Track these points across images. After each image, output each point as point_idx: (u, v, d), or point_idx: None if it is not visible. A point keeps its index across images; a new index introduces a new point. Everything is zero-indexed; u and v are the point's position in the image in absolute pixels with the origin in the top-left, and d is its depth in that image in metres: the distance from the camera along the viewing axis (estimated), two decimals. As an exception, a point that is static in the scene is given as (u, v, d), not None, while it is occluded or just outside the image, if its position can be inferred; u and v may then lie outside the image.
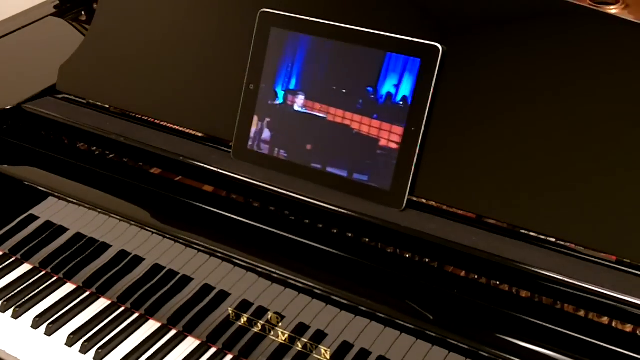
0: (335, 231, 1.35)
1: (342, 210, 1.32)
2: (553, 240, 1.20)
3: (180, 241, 1.46)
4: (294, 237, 1.36)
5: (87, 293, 1.67)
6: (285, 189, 1.36)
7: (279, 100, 1.39)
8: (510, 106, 1.24)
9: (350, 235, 1.34)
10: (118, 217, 1.55)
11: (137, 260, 1.59)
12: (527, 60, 1.24)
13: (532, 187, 1.21)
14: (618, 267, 1.16)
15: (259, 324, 1.45)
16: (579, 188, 1.18)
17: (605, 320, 1.16)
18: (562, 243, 1.20)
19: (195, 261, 1.49)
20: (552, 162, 1.20)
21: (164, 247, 1.52)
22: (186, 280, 1.53)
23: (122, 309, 1.62)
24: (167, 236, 1.48)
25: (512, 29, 1.26)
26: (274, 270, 1.35)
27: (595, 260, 1.17)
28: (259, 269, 1.37)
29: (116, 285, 1.64)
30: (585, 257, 1.18)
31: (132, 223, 1.53)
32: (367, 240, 1.33)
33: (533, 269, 1.17)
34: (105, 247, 1.63)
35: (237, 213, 1.42)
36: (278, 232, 1.37)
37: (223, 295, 1.48)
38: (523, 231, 1.22)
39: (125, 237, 1.58)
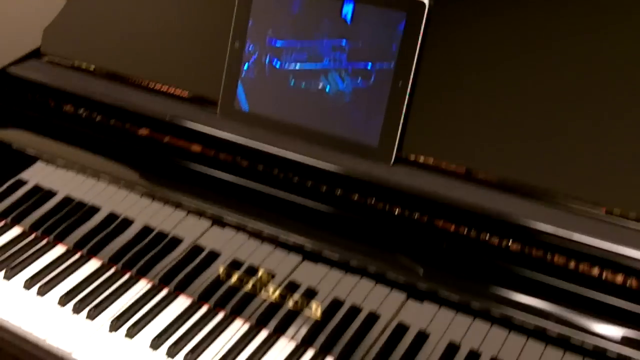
0: (324, 188, 1.35)
1: (331, 167, 1.32)
2: (543, 193, 1.20)
3: (170, 202, 1.45)
4: (283, 195, 1.36)
5: (78, 255, 1.67)
6: (272, 147, 1.36)
7: (265, 58, 1.38)
8: (497, 60, 1.24)
9: (339, 191, 1.34)
10: (107, 180, 1.54)
11: (127, 222, 1.59)
12: (515, 13, 1.23)
13: (521, 140, 1.21)
14: (607, 219, 1.16)
15: (249, 283, 1.45)
16: (569, 141, 1.18)
17: (596, 271, 1.17)
18: (552, 196, 1.19)
19: (185, 223, 1.49)
20: (541, 114, 1.20)
21: (153, 209, 1.52)
22: (176, 241, 1.53)
23: (113, 270, 1.63)
24: (157, 197, 1.48)
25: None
26: (263, 228, 1.35)
27: (585, 212, 1.17)
28: (249, 228, 1.36)
29: (107, 247, 1.64)
30: (574, 208, 1.18)
31: (121, 185, 1.52)
32: (356, 196, 1.33)
33: (523, 221, 1.17)
34: (94, 210, 1.62)
35: (225, 172, 1.41)
36: (266, 190, 1.37)
37: (213, 256, 1.48)
38: (512, 184, 1.22)
39: (114, 200, 1.58)
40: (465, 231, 1.24)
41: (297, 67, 1.35)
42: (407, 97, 1.27)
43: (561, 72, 1.20)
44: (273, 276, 1.42)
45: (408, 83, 1.26)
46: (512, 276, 1.19)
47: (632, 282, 1.13)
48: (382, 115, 1.28)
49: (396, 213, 1.29)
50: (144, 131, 1.52)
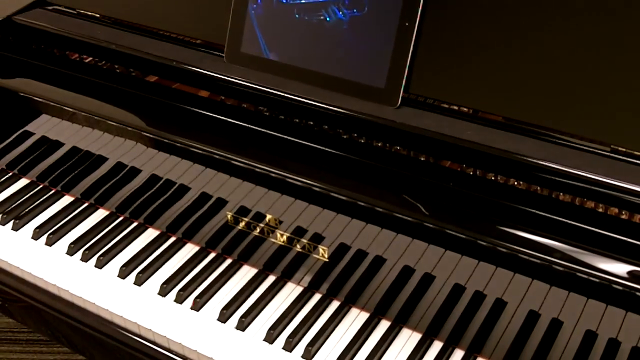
0: (330, 131, 1.35)
1: (337, 109, 1.32)
2: (548, 131, 1.20)
3: (178, 144, 1.45)
4: (290, 138, 1.36)
5: (86, 204, 1.68)
6: (279, 90, 1.36)
7: (271, 0, 1.38)
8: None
9: (345, 134, 1.34)
10: (114, 131, 1.54)
11: (134, 171, 1.59)
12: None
13: (526, 79, 1.21)
14: (612, 155, 1.16)
15: (257, 228, 1.46)
16: (573, 78, 1.18)
17: (601, 208, 1.17)
18: (557, 134, 1.19)
19: (192, 171, 1.49)
20: (547, 53, 1.20)
21: (160, 158, 1.52)
22: (184, 189, 1.53)
23: (121, 218, 1.64)
24: (165, 141, 1.47)
25: None
26: (271, 171, 1.35)
27: (590, 149, 1.17)
28: (257, 170, 1.36)
29: (114, 196, 1.65)
30: (580, 146, 1.18)
31: (128, 135, 1.53)
32: (363, 139, 1.33)
33: (528, 159, 1.18)
34: (102, 159, 1.63)
35: (232, 117, 1.41)
36: (273, 134, 1.37)
37: (221, 203, 1.49)
38: (518, 123, 1.22)
39: (121, 150, 1.58)
40: (472, 171, 1.24)
41: (302, 11, 1.35)
42: (414, 37, 1.26)
43: (570, 11, 1.19)
44: (280, 222, 1.42)
45: (415, 23, 1.26)
46: (518, 215, 1.19)
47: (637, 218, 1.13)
48: (389, 56, 1.28)
49: (403, 154, 1.30)
50: (151, 78, 1.52)
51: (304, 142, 1.35)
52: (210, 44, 1.46)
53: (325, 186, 1.31)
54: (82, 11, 1.62)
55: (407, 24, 1.26)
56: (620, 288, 1.11)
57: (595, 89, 1.17)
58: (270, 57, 1.37)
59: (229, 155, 1.39)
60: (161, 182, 1.56)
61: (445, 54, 1.26)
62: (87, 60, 1.60)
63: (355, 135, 1.33)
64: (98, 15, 1.61)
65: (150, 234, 1.60)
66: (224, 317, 1.41)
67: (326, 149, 1.33)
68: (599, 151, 1.17)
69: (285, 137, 1.36)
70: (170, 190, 1.55)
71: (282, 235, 1.43)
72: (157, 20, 1.52)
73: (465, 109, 1.26)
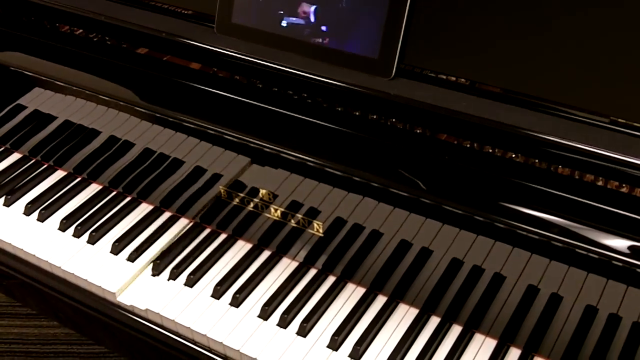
0: (324, 103, 1.32)
1: (330, 81, 1.28)
2: (546, 103, 1.16)
3: (170, 120, 1.42)
4: (282, 111, 1.33)
5: (78, 179, 1.66)
6: (270, 62, 1.32)
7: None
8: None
9: (339, 107, 1.30)
10: (106, 103, 1.51)
11: (128, 145, 1.57)
12: None
13: (524, 50, 1.17)
14: (612, 127, 1.12)
15: (251, 202, 1.43)
16: (572, 49, 1.14)
17: (600, 182, 1.14)
18: (556, 106, 1.16)
19: (186, 145, 1.46)
20: (544, 23, 1.16)
21: (153, 132, 1.50)
22: (178, 163, 1.50)
23: (114, 193, 1.61)
24: (157, 118, 1.45)
25: None
26: (264, 145, 1.32)
27: (589, 121, 1.14)
28: (250, 145, 1.34)
29: (107, 171, 1.62)
30: (579, 118, 1.14)
31: (121, 109, 1.50)
32: (358, 111, 1.30)
33: (526, 131, 1.14)
34: (95, 133, 1.60)
35: (223, 89, 1.38)
36: (266, 106, 1.34)
37: (215, 177, 1.46)
38: (515, 95, 1.18)
39: (114, 124, 1.56)
40: (468, 144, 1.21)
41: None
42: (408, 5, 1.22)
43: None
44: (275, 196, 1.39)
45: (409, -8, 1.22)
46: (516, 188, 1.16)
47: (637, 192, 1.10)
48: (382, 26, 1.24)
49: (398, 127, 1.26)
50: (142, 50, 1.48)
51: (296, 115, 1.32)
52: (202, 14, 1.42)
53: (319, 160, 1.28)
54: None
55: (401, -7, 1.22)
56: (620, 264, 1.08)
57: (594, 59, 1.13)
58: (261, 28, 1.34)
59: (220, 129, 1.36)
60: (155, 155, 1.53)
61: (442, 24, 1.22)
62: (77, 33, 1.56)
63: (350, 107, 1.30)
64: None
65: (144, 209, 1.57)
66: (217, 293, 1.39)
67: (319, 122, 1.30)
68: (599, 123, 1.13)
69: (278, 109, 1.33)
70: (164, 165, 1.53)
71: (276, 210, 1.41)
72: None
73: (462, 80, 1.22)
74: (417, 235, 1.29)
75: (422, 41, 1.23)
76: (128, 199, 1.59)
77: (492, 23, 1.19)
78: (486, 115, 1.17)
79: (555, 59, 1.15)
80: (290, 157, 1.30)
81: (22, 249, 1.50)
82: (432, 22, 1.23)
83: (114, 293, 1.41)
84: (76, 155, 1.65)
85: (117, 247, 1.48)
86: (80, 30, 1.57)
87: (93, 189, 1.63)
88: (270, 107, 1.34)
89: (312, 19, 1.30)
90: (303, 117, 1.31)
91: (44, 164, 1.69)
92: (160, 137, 1.50)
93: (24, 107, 1.69)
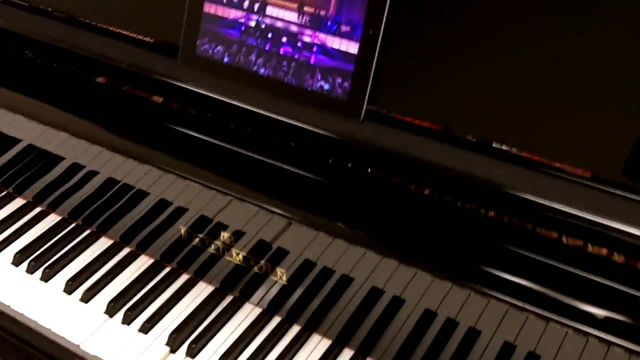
0: (286, 144, 1.23)
1: (296, 122, 1.20)
2: (523, 154, 1.08)
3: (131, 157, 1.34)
4: (245, 152, 1.24)
5: (38, 209, 1.57)
6: (233, 99, 1.24)
7: (229, 2, 1.26)
8: (485, 8, 1.10)
9: (305, 149, 1.22)
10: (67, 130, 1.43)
11: (91, 174, 1.48)
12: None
13: (501, 97, 1.09)
14: (594, 184, 1.04)
15: (212, 245, 1.35)
16: (551, 97, 1.06)
17: (579, 243, 1.05)
18: (533, 157, 1.07)
19: (150, 176, 1.38)
20: (524, 70, 1.08)
21: (117, 161, 1.41)
22: (141, 195, 1.42)
23: (73, 225, 1.53)
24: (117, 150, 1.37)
25: None
26: (225, 191, 1.24)
27: (569, 177, 1.05)
28: (211, 187, 1.26)
29: (68, 200, 1.54)
30: (557, 174, 1.06)
31: (81, 136, 1.42)
32: (322, 154, 1.21)
33: (501, 187, 1.06)
34: (57, 160, 1.52)
35: (184, 125, 1.30)
36: (227, 146, 1.26)
37: (179, 212, 1.38)
38: (491, 145, 1.10)
39: (77, 151, 1.47)
40: (437, 195, 1.13)
41: (261, 12, 1.23)
42: (378, 46, 1.14)
43: (554, 30, 1.06)
44: (237, 236, 1.31)
45: (380, 31, 1.14)
46: (488, 246, 1.08)
47: (617, 258, 1.02)
48: (352, 66, 1.16)
49: (365, 173, 1.18)
50: (101, 79, 1.40)
51: (256, 155, 1.23)
52: (167, 44, 1.34)
53: (277, 205, 1.20)
54: (33, 4, 1.49)
55: (371, 31, 1.14)
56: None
57: (575, 112, 1.05)
58: (226, 61, 1.25)
59: (179, 170, 1.28)
60: (118, 186, 1.45)
61: (414, 66, 1.14)
62: (33, 57, 1.47)
63: (315, 150, 1.21)
64: (50, 10, 1.48)
65: (102, 244, 1.49)
66: (173, 344, 1.30)
67: (280, 164, 1.22)
68: (579, 181, 1.05)
69: (239, 149, 1.25)
70: (127, 196, 1.45)
71: (237, 254, 1.33)
72: (111, 17, 1.39)
73: (434, 127, 1.14)
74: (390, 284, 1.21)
75: (394, 84, 1.15)
76: (87, 232, 1.51)
77: (467, 71, 1.10)
78: (457, 166, 1.09)
79: (534, 109, 1.07)
80: (246, 200, 1.22)
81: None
82: (404, 65, 1.14)
83: (69, 340, 1.31)
84: (36, 183, 1.57)
85: (70, 287, 1.40)
86: (36, 54, 1.48)
87: (52, 219, 1.54)
88: (230, 145, 1.26)
89: (281, 54, 1.22)
90: (263, 159, 1.23)
91: (3, 191, 1.61)
92: (124, 167, 1.41)
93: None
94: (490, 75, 1.09)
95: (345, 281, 1.25)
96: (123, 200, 1.46)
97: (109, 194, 1.48)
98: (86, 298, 1.38)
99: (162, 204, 1.39)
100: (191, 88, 1.28)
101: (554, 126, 1.06)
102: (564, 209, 1.03)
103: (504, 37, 1.08)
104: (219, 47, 1.26)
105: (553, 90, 1.06)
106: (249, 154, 1.24)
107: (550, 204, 1.04)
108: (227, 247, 1.34)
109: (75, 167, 1.49)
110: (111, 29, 1.39)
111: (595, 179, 1.04)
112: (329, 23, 1.18)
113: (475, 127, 1.11)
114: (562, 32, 1.05)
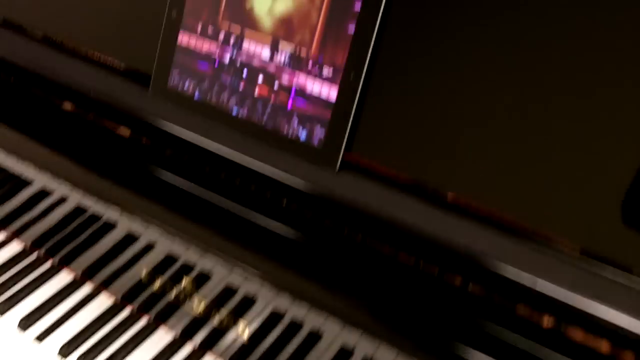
0: (253, 191, 1.14)
1: (265, 169, 1.12)
2: (507, 221, 0.99)
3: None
4: (209, 197, 1.16)
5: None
6: (200, 137, 1.16)
7: (203, 34, 1.17)
8: (473, 54, 1.02)
9: (271, 197, 1.13)
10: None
11: (60, 201, 1.40)
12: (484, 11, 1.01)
13: (488, 158, 1.00)
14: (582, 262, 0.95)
15: (174, 290, 1.27)
16: (541, 163, 0.97)
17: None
18: (519, 226, 0.98)
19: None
20: (515, 130, 0.99)
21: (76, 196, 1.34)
22: (108, 227, 1.34)
23: (34, 256, 1.44)
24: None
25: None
26: (190, 238, 1.16)
27: (556, 250, 0.96)
28: (172, 231, 1.17)
29: (32, 229, 1.45)
30: (544, 246, 0.97)
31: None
32: (292, 205, 1.12)
33: (483, 260, 0.98)
34: (23, 184, 1.43)
35: (151, 161, 1.22)
36: (193, 189, 1.17)
37: (146, 248, 1.30)
38: (472, 208, 1.01)
39: (44, 177, 1.39)
40: (413, 261, 1.04)
41: (238, 49, 1.15)
42: (358, 93, 1.06)
43: (551, 83, 0.98)
44: (199, 282, 1.23)
45: (361, 76, 1.05)
46: (466, 325, 0.99)
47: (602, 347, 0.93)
48: (330, 112, 1.07)
49: (334, 228, 1.09)
50: (67, 105, 1.32)
51: (220, 202, 1.15)
52: (140, 72, 1.26)
53: (241, 258, 1.12)
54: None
55: (352, 76, 1.06)
56: None
57: (571, 180, 0.96)
58: (198, 96, 1.17)
59: (142, 209, 1.20)
60: (86, 215, 1.36)
61: (397, 116, 1.06)
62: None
63: (283, 200, 1.12)
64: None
65: (62, 278, 1.40)
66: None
67: (246, 213, 1.13)
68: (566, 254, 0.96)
69: (205, 194, 1.16)
70: (94, 227, 1.36)
71: (200, 302, 1.24)
72: (82, 39, 1.31)
73: (412, 182, 1.05)
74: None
75: (373, 133, 1.07)
76: (48, 265, 1.42)
77: (455, 125, 1.02)
78: (434, 230, 1.01)
79: (523, 174, 0.98)
80: (210, 250, 1.14)
81: None
82: (386, 114, 1.06)
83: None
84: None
85: (24, 324, 1.31)
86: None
87: (13, 249, 1.46)
88: (196, 189, 1.18)
89: (255, 95, 1.13)
90: (226, 204, 1.14)
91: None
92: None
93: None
94: (480, 132, 1.01)
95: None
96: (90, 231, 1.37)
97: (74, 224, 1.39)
98: (40, 338, 1.29)
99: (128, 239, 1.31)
100: (160, 123, 1.19)
101: (543, 193, 0.97)
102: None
103: (493, 93, 1.00)
104: (192, 82, 1.18)
105: (539, 151, 0.97)
106: (218, 198, 1.15)
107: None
108: (189, 294, 1.25)
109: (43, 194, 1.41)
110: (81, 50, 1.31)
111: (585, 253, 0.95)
112: (309, 64, 1.09)
113: (458, 186, 1.02)
114: (547, 101, 0.96)
